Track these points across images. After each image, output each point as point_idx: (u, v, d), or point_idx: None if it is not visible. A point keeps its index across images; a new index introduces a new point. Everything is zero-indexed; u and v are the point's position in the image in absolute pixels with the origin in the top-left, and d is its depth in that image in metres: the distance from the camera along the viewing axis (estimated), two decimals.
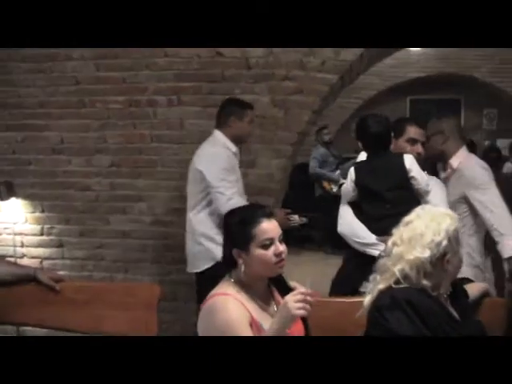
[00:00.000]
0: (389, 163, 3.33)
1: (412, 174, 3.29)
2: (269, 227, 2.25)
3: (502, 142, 9.21)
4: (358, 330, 2.67)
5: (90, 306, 2.99)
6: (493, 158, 5.93)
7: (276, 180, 4.25)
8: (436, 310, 2.22)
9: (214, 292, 2.31)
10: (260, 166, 4.22)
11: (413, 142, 3.46)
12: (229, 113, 3.76)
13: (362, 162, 3.48)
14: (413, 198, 3.27)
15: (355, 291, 3.18)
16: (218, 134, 3.77)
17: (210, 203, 3.68)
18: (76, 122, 4.34)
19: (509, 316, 2.58)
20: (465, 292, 2.51)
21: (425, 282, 2.23)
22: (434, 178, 3.52)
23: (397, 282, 2.25)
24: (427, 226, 2.24)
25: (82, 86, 4.27)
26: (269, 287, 2.39)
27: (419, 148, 3.45)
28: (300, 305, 2.04)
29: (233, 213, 2.36)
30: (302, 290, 2.10)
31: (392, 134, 3.39)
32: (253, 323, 2.20)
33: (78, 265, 4.51)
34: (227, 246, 2.29)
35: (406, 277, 2.24)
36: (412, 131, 3.46)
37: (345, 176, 8.76)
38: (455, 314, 2.32)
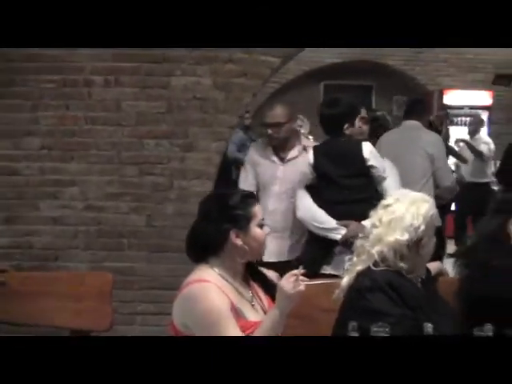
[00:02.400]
0: (346, 149, 3.36)
1: (371, 162, 3.34)
2: (260, 208, 2.33)
3: None
4: (323, 314, 2.70)
5: (38, 298, 2.85)
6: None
7: (214, 163, 4.18)
8: (414, 291, 2.27)
9: (191, 278, 2.26)
10: (199, 149, 4.13)
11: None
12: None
13: (319, 144, 3.48)
14: (371, 185, 3.32)
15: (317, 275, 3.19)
16: (419, 124, 4.80)
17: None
18: (5, 101, 4.06)
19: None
20: (430, 273, 2.57)
21: (401, 265, 2.28)
22: (387, 160, 3.57)
23: (375, 263, 2.28)
24: (407, 210, 2.29)
25: (13, 63, 4.00)
26: (245, 274, 2.37)
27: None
28: (293, 285, 2.11)
29: (228, 195, 2.33)
30: (294, 272, 2.15)
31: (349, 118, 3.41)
32: (232, 309, 2.18)
33: (4, 253, 4.24)
34: (222, 227, 2.24)
35: (383, 259, 2.29)
36: (363, 112, 3.58)
37: None
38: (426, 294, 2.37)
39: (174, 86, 4.02)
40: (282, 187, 3.83)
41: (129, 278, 4.22)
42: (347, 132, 3.41)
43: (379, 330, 1.92)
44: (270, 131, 3.83)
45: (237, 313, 2.19)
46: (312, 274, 3.25)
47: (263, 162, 3.95)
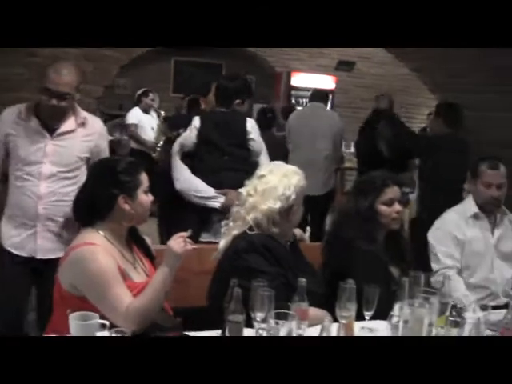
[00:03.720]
0: (233, 121, 3.65)
1: (251, 136, 3.65)
2: (145, 175, 2.46)
3: (257, 107, 9.90)
4: (194, 277, 2.90)
5: None
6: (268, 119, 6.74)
7: None
8: (285, 253, 2.54)
9: (78, 242, 2.36)
10: None
11: None
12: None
13: (207, 113, 3.70)
14: (249, 157, 3.64)
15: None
16: (324, 105, 6.37)
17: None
18: None
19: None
20: (295, 237, 2.83)
21: (273, 230, 2.53)
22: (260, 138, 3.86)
23: (250, 228, 2.52)
24: (280, 181, 2.54)
25: None
26: (127, 238, 2.53)
27: None
28: (182, 244, 2.29)
29: (117, 161, 2.44)
30: (181, 234, 2.33)
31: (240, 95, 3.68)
32: (119, 271, 2.32)
33: None
34: (111, 193, 2.35)
35: (258, 224, 2.53)
36: None
37: (111, 132, 8.82)
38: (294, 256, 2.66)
39: (42, 55, 4.00)
40: (53, 168, 3.04)
41: None
42: (236, 107, 3.69)
43: (259, 285, 2.16)
44: (54, 101, 2.95)
45: (123, 274, 2.33)
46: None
47: (23, 134, 3.05)
